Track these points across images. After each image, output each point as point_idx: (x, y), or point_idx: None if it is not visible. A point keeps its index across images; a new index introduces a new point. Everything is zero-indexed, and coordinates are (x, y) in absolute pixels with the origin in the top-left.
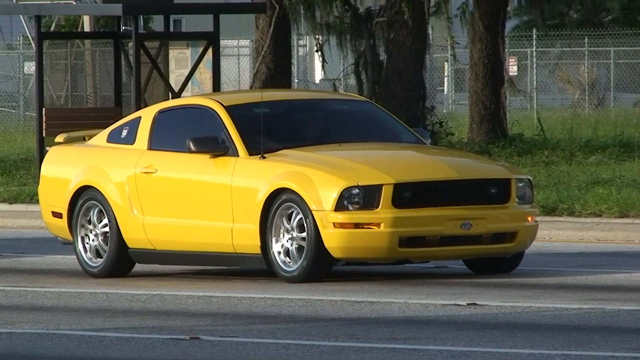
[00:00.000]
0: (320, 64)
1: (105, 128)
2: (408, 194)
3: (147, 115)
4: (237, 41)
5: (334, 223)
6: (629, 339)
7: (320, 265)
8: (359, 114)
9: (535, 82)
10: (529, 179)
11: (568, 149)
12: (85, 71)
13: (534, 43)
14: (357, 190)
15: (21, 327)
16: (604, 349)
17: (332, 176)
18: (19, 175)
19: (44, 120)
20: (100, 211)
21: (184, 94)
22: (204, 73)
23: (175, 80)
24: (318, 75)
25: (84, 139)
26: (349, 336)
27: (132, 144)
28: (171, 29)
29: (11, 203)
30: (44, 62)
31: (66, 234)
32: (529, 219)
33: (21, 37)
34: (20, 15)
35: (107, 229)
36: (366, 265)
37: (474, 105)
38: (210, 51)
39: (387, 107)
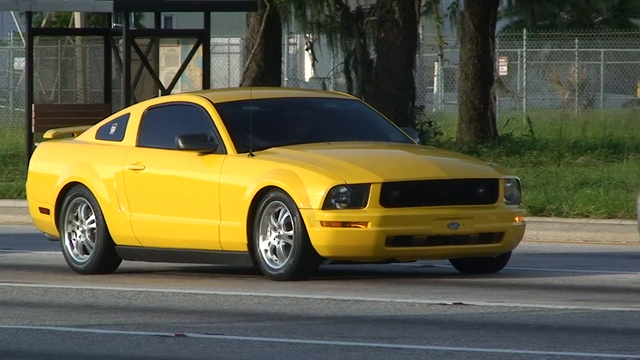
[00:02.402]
0: (310, 63)
1: (95, 124)
2: (396, 193)
3: (136, 112)
4: (227, 39)
5: (321, 221)
6: (614, 339)
7: (306, 264)
8: (348, 112)
9: (525, 83)
10: (517, 179)
11: (557, 149)
12: (76, 67)
13: (524, 43)
14: (344, 189)
15: (6, 322)
16: (590, 350)
17: (320, 174)
18: (7, 170)
19: (33, 116)
20: (87, 207)
21: (173, 91)
22: (194, 70)
23: (165, 78)
24: (308, 73)
25: (73, 135)
26: (334, 335)
27: (121, 141)
28: (162, 26)
29: None
30: (34, 58)
31: (53, 230)
32: (517, 219)
33: (12, 33)
34: (11, 11)
35: (94, 225)
36: (353, 264)
37: (463, 105)
38: (200, 49)
39: (376, 106)
